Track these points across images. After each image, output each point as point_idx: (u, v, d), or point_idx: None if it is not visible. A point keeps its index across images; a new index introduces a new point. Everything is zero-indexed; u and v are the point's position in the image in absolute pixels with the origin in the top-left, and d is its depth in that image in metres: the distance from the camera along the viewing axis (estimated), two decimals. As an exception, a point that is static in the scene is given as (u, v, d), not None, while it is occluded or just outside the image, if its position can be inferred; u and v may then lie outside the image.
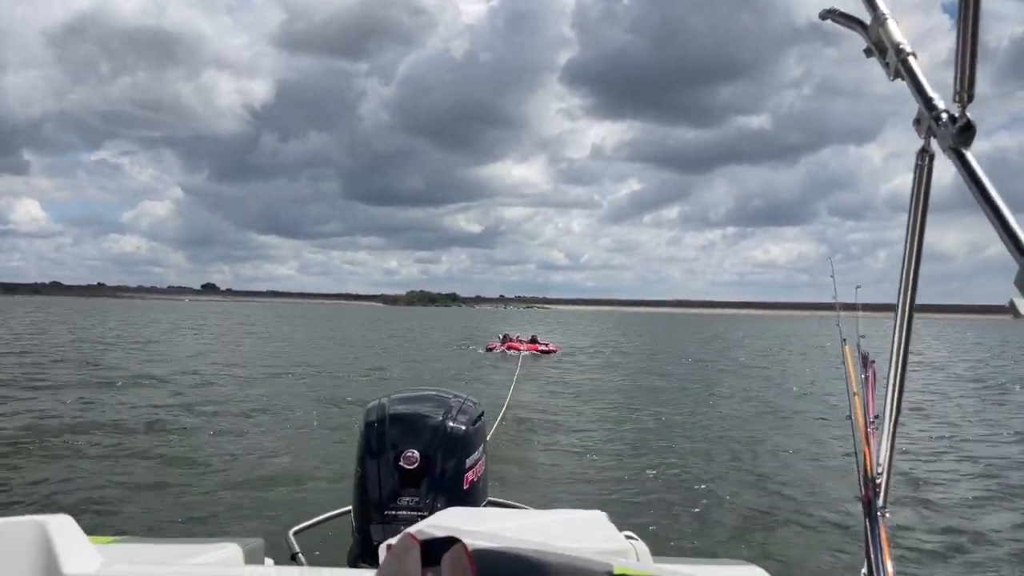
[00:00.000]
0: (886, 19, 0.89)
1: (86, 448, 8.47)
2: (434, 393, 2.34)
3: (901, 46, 0.86)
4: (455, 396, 2.29)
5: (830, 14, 0.98)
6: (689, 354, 31.87)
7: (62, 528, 1.18)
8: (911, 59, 0.85)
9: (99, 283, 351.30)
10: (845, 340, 2.29)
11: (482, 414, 2.27)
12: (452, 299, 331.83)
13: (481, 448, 2.20)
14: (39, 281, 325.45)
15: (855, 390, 1.85)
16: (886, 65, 0.88)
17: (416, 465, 2.01)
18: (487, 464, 2.24)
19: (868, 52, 0.92)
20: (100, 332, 36.98)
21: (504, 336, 29.77)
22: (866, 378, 1.91)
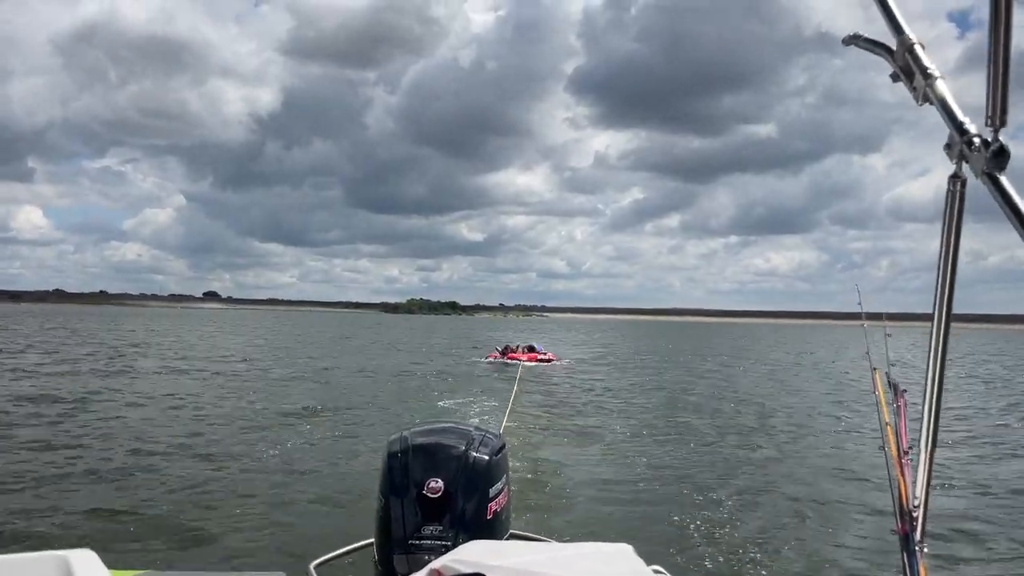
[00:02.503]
0: (912, 44, 0.88)
1: (106, 474, 8.30)
2: (456, 426, 2.38)
3: (929, 71, 0.85)
4: (476, 429, 2.32)
5: (855, 40, 0.97)
6: (697, 365, 31.32)
7: (85, 563, 1.17)
8: (939, 83, 0.84)
9: (101, 291, 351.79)
10: (875, 367, 2.25)
11: (503, 446, 2.28)
12: (452, 307, 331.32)
13: (503, 480, 2.21)
14: (40, 289, 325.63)
15: (887, 419, 1.83)
16: (914, 90, 0.87)
17: (439, 496, 2.03)
18: (510, 496, 2.24)
19: (895, 77, 0.91)
20: (119, 343, 37.17)
21: (505, 348, 29.74)
22: (898, 407, 1.88)
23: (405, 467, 2.09)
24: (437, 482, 2.04)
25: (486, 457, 2.15)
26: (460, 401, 15.87)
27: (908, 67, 0.88)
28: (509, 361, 25.96)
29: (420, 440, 2.18)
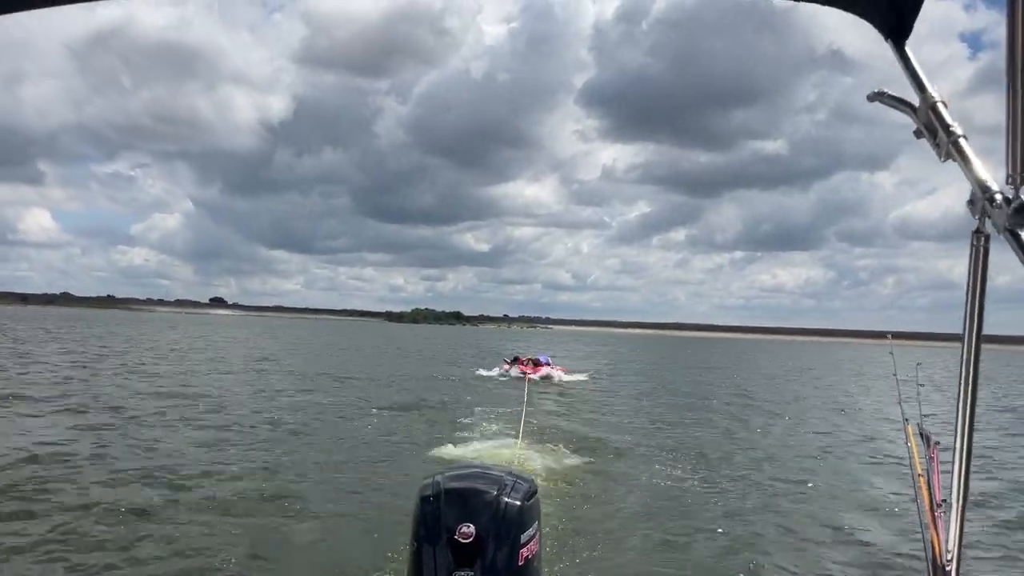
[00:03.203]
0: (935, 102, 0.89)
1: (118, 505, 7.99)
2: (488, 471, 2.38)
3: (952, 128, 0.86)
4: (509, 474, 2.32)
5: (879, 96, 0.98)
6: (714, 382, 30.91)
7: None
8: (962, 141, 0.85)
9: (109, 295, 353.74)
10: (907, 419, 2.22)
11: (535, 492, 2.28)
12: (456, 317, 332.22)
13: (535, 525, 2.20)
14: (47, 292, 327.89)
15: (919, 471, 1.80)
16: (937, 147, 0.88)
17: (471, 542, 2.03)
18: (541, 542, 2.24)
19: (918, 134, 0.92)
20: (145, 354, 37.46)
21: (515, 359, 29.29)
22: (931, 459, 1.86)
23: (437, 512, 2.10)
24: (469, 527, 2.04)
25: (518, 503, 2.14)
26: (478, 417, 15.85)
27: (931, 124, 0.89)
28: (520, 374, 25.62)
29: (452, 485, 2.18)
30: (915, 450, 2.03)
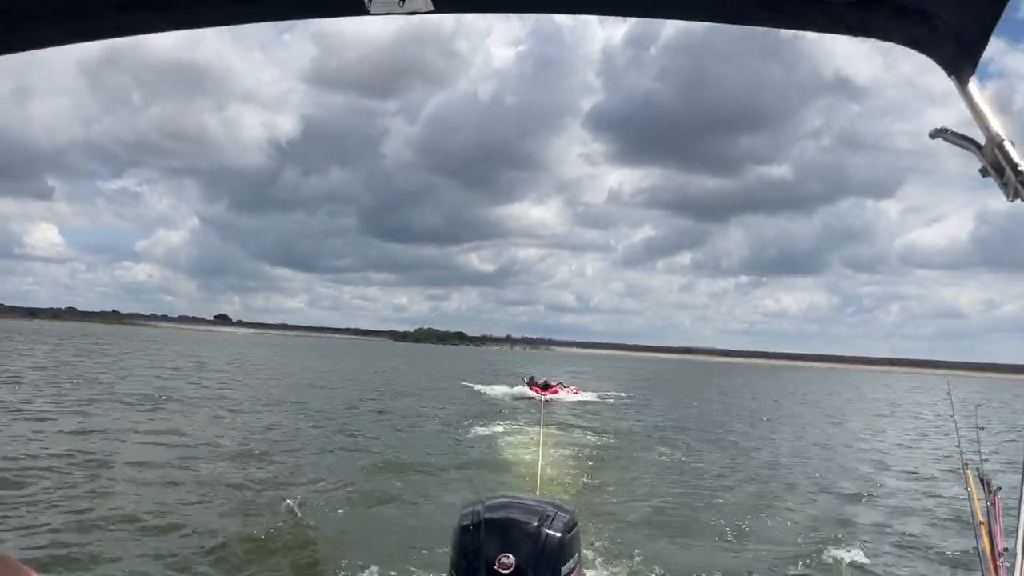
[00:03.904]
0: (1002, 140, 0.89)
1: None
2: (529, 500, 2.40)
3: (1020, 167, 0.86)
4: (551, 504, 2.32)
5: (941, 133, 0.98)
6: (729, 406, 30.54)
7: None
8: None
9: (113, 310, 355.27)
10: (966, 463, 2.18)
11: (576, 524, 2.27)
12: (460, 337, 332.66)
13: (576, 558, 2.20)
14: (53, 306, 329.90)
15: (980, 518, 1.75)
16: (1004, 186, 0.88)
17: (510, 572, 2.03)
18: (582, 574, 2.25)
19: (983, 172, 0.92)
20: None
21: (530, 379, 29.16)
22: (991, 505, 1.81)
23: (477, 542, 2.09)
24: (509, 558, 2.02)
25: (558, 534, 2.12)
26: (497, 431, 16.69)
27: (998, 163, 0.88)
28: (535, 395, 25.56)
29: (492, 515, 2.17)
30: (975, 496, 1.91)
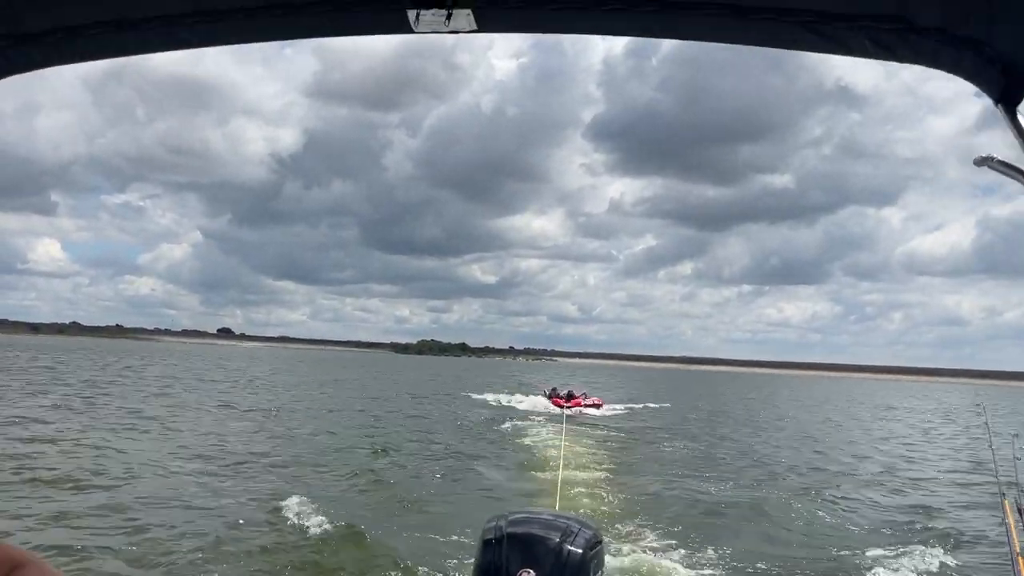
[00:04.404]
0: None
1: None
2: (552, 515, 2.36)
3: None
4: (575, 520, 2.31)
5: (987, 161, 0.99)
6: (748, 419, 30.21)
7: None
8: None
9: (117, 324, 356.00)
10: (1004, 494, 2.13)
11: (600, 541, 2.26)
12: (462, 349, 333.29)
13: (599, 575, 2.20)
14: (55, 321, 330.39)
15: (1018, 550, 1.68)
16: None
17: None
18: None
19: None
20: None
21: (552, 390, 29.01)
22: None
23: (499, 557, 2.10)
24: (530, 574, 2.04)
25: (580, 551, 2.14)
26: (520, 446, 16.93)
27: None
28: (559, 407, 25.38)
29: (516, 529, 2.18)
30: (1013, 527, 1.85)
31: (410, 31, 1.06)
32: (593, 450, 17.46)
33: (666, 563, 8.27)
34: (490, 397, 33.79)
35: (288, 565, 8.10)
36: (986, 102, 0.98)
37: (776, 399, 56.13)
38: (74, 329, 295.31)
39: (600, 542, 2.27)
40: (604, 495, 11.77)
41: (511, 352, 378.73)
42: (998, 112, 0.96)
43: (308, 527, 9.42)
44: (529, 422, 23.77)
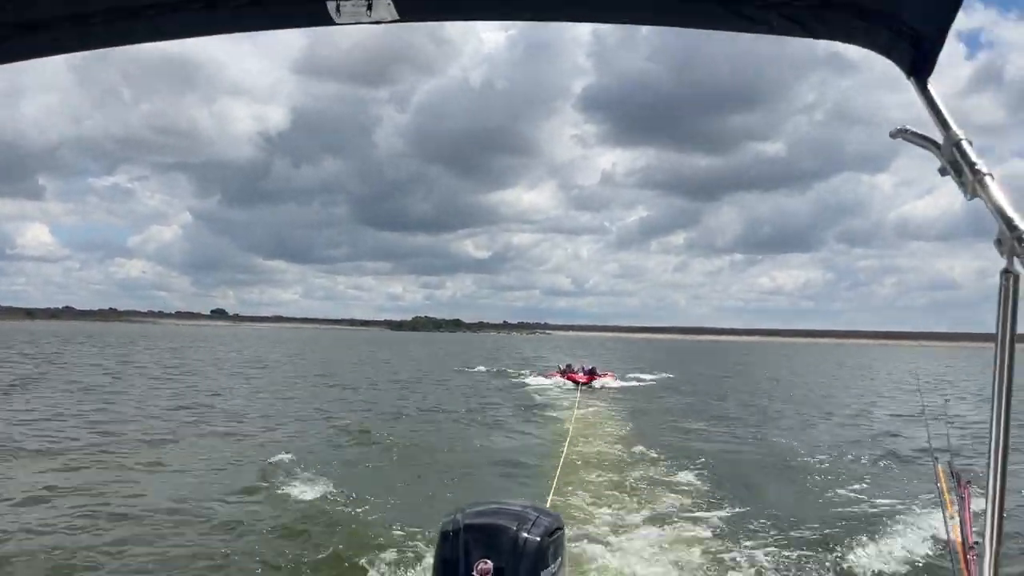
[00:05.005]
0: (960, 139, 0.91)
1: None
2: (510, 506, 2.39)
3: (977, 167, 0.88)
4: (533, 509, 2.35)
5: (902, 133, 1.00)
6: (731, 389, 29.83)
7: None
8: (988, 179, 0.87)
9: (111, 308, 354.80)
10: (936, 458, 2.19)
11: (560, 528, 2.29)
12: (456, 325, 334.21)
13: (558, 562, 2.21)
14: (48, 306, 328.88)
15: (951, 513, 1.71)
16: (962, 184, 0.90)
17: None
18: None
19: (942, 171, 0.94)
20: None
21: (567, 366, 28.83)
22: (962, 499, 1.81)
23: (456, 549, 2.12)
24: (487, 564, 2.05)
25: (538, 538, 2.14)
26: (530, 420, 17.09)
27: (956, 162, 0.91)
28: (573, 383, 25.54)
29: (473, 521, 2.20)
30: (945, 490, 1.94)
31: (331, 23, 1.06)
32: (607, 417, 17.81)
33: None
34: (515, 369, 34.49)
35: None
36: (899, 75, 1.01)
37: (765, 366, 56.27)
38: (68, 314, 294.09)
39: (560, 528, 2.29)
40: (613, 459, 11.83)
41: (505, 327, 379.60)
42: (910, 84, 1.00)
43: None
44: (551, 394, 24.11)
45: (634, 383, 28.57)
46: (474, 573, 2.06)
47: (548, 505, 5.64)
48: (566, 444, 10.85)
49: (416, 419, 17.72)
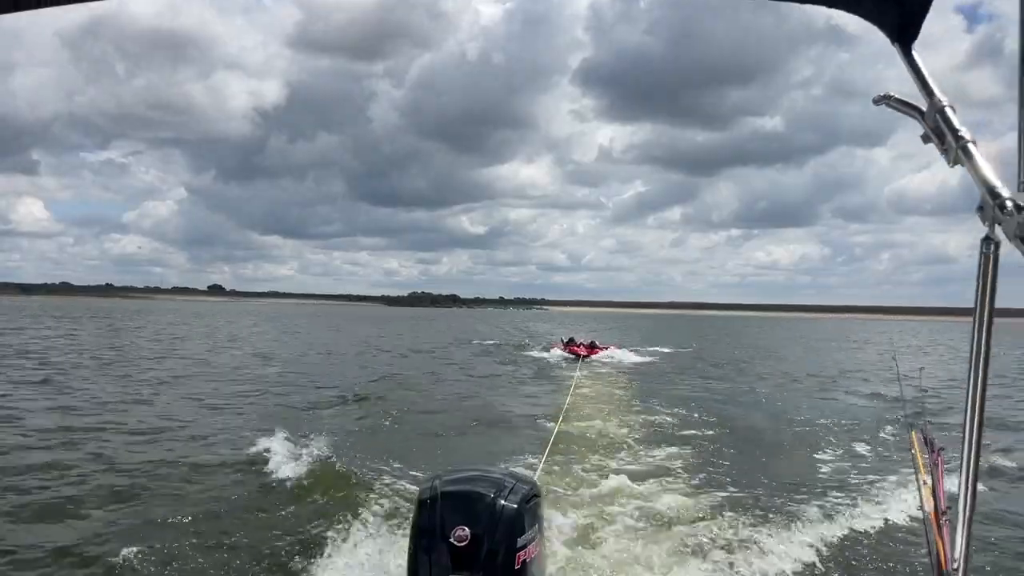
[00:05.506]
0: (943, 106, 0.90)
1: None
2: (487, 473, 2.40)
3: (960, 133, 0.87)
4: (510, 476, 2.34)
5: (885, 99, 0.99)
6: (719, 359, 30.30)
7: None
8: (971, 146, 0.85)
9: (108, 284, 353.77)
10: (911, 425, 2.22)
11: (537, 495, 2.30)
12: (453, 300, 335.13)
13: (535, 528, 2.23)
14: (41, 281, 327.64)
15: (924, 479, 1.76)
16: (945, 151, 0.90)
17: (467, 544, 2.07)
18: (543, 545, 2.26)
19: (925, 138, 0.93)
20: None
21: (569, 340, 29.19)
22: (935, 465, 1.86)
23: (433, 516, 2.13)
24: (464, 530, 2.06)
25: (515, 505, 2.15)
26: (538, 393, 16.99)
27: (939, 129, 0.90)
28: (574, 356, 25.65)
29: (450, 488, 2.22)
30: (919, 457, 2.00)
31: None
32: (604, 388, 18.01)
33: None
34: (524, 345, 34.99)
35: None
36: (884, 40, 1.00)
37: (760, 339, 56.84)
38: (64, 289, 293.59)
39: (537, 496, 2.31)
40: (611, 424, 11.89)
41: (501, 302, 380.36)
42: (895, 50, 0.99)
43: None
44: (556, 367, 24.37)
45: (633, 356, 28.92)
46: (451, 540, 2.08)
47: (537, 474, 5.69)
48: (562, 413, 11.03)
49: (412, 386, 17.70)
